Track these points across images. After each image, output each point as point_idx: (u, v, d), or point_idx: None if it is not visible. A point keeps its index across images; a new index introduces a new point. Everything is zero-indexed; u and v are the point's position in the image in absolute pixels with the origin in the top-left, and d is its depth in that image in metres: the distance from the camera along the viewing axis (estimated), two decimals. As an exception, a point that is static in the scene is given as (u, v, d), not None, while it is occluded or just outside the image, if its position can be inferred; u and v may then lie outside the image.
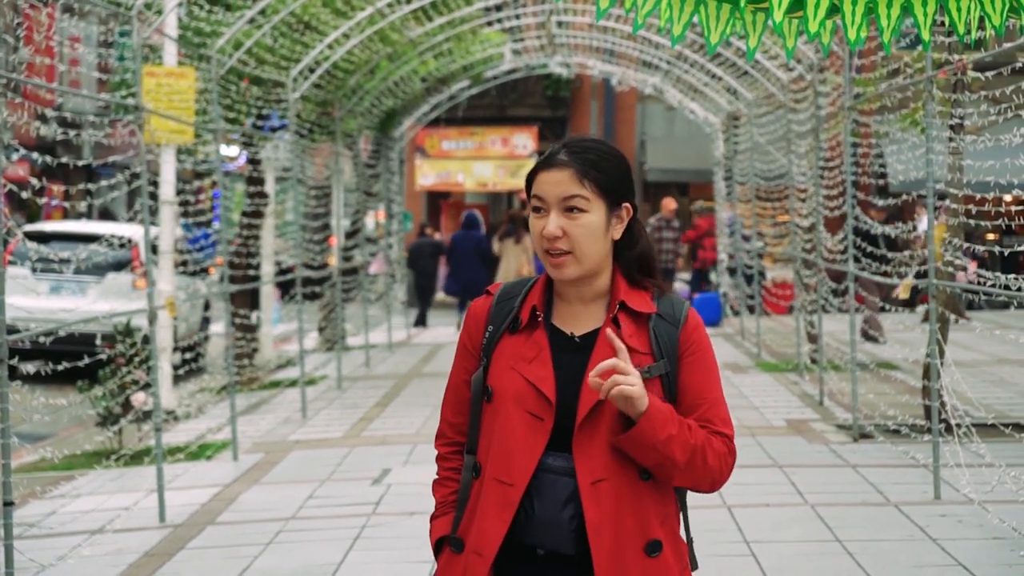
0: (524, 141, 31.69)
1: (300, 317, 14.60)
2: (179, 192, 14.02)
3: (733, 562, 7.47)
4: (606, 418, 3.21)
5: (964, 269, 10.03)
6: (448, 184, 32.46)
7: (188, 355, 15.85)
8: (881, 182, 18.63)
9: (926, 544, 7.75)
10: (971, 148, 9.49)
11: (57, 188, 10.64)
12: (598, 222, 3.29)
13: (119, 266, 16.63)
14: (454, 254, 23.14)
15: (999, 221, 8.28)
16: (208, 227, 19.94)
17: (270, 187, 18.39)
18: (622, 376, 3.12)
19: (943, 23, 3.61)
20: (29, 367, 7.61)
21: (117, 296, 15.86)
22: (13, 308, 7.46)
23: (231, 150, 18.50)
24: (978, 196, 9.52)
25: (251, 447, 11.73)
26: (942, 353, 9.60)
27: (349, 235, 20.64)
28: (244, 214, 16.90)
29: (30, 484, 10.22)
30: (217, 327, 19.94)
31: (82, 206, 9.22)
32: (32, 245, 8.97)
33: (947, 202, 9.49)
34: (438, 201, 33.46)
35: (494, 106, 31.41)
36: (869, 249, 12.21)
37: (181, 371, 15.53)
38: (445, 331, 22.60)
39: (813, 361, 14.74)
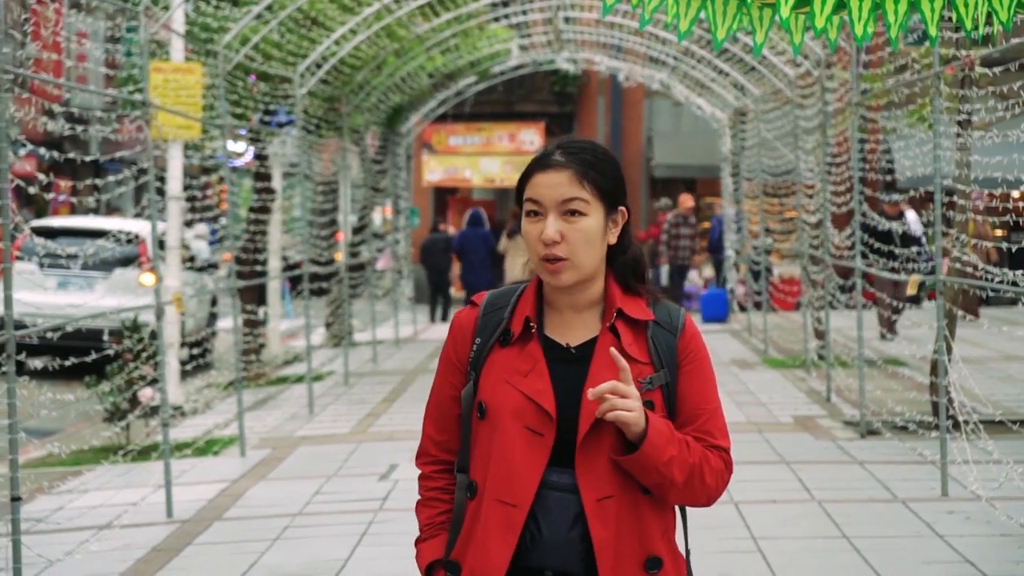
0: (531, 137, 31.65)
1: (307, 313, 14.62)
2: (186, 188, 14.03)
3: (740, 558, 7.47)
4: (608, 432, 3.09)
5: (975, 267, 10.01)
6: (455, 180, 32.45)
7: (195, 351, 15.86)
8: (889, 178, 18.60)
9: (933, 541, 7.74)
10: (979, 144, 9.47)
11: (64, 184, 10.67)
12: (596, 226, 3.15)
13: (126, 262, 16.64)
14: (464, 252, 23.20)
15: (1007, 217, 8.27)
16: (215, 222, 19.96)
17: (277, 183, 18.40)
18: (620, 400, 3.01)
19: (950, 18, 3.60)
20: (37, 362, 7.62)
21: (124, 292, 15.88)
22: (21, 304, 7.47)
23: (238, 146, 18.50)
24: (986, 192, 9.51)
25: (258, 443, 11.74)
26: (950, 349, 9.58)
27: (356, 231, 20.65)
28: (251, 210, 16.91)
29: (37, 479, 10.22)
30: (224, 323, 19.97)
31: (92, 202, 9.22)
32: (39, 240, 8.98)
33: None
34: (445, 197, 33.44)
35: (501, 102, 31.37)
36: (877, 245, 12.20)
37: (188, 367, 15.54)
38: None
39: (820, 357, 14.72)
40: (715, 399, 3.22)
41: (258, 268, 16.70)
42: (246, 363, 15.19)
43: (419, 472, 3.35)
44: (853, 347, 13.22)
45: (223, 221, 16.04)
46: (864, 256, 11.65)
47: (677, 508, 3.25)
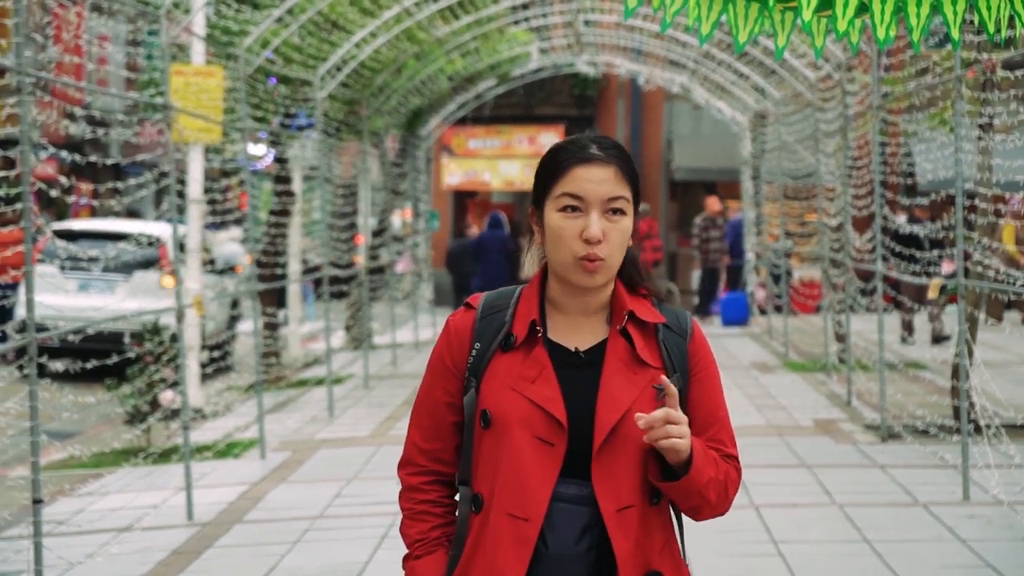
0: (551, 140, 31.58)
1: (327, 316, 14.62)
2: (207, 191, 14.07)
3: (761, 562, 7.45)
4: (625, 439, 2.96)
5: (997, 270, 9.97)
6: (475, 183, 32.47)
7: (216, 353, 15.90)
8: (909, 181, 18.55)
9: (955, 545, 7.71)
10: (1000, 147, 9.44)
11: (85, 186, 10.69)
12: (630, 227, 3.01)
13: (147, 264, 16.69)
14: (483, 254, 23.21)
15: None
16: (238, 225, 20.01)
17: (297, 186, 18.43)
18: (675, 427, 2.89)
19: (972, 22, 3.59)
20: (58, 365, 7.64)
21: (145, 294, 15.92)
22: (42, 306, 7.49)
23: (258, 149, 18.53)
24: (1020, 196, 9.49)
25: (278, 445, 11.75)
26: (971, 353, 9.55)
27: (376, 234, 20.67)
28: (271, 213, 16.94)
29: (59, 482, 10.26)
30: (245, 326, 20.01)
31: (113, 205, 9.25)
32: (61, 243, 9.02)
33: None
34: (465, 200, 33.46)
35: (521, 105, 31.38)
36: (898, 249, 12.16)
37: (209, 369, 15.58)
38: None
39: (841, 361, 14.69)
40: (724, 406, 3.13)
41: (278, 271, 16.74)
42: (266, 366, 15.21)
43: (403, 484, 3.15)
44: (874, 350, 13.18)
45: (245, 224, 16.09)
46: (884, 259, 11.62)
47: (674, 518, 3.13)
